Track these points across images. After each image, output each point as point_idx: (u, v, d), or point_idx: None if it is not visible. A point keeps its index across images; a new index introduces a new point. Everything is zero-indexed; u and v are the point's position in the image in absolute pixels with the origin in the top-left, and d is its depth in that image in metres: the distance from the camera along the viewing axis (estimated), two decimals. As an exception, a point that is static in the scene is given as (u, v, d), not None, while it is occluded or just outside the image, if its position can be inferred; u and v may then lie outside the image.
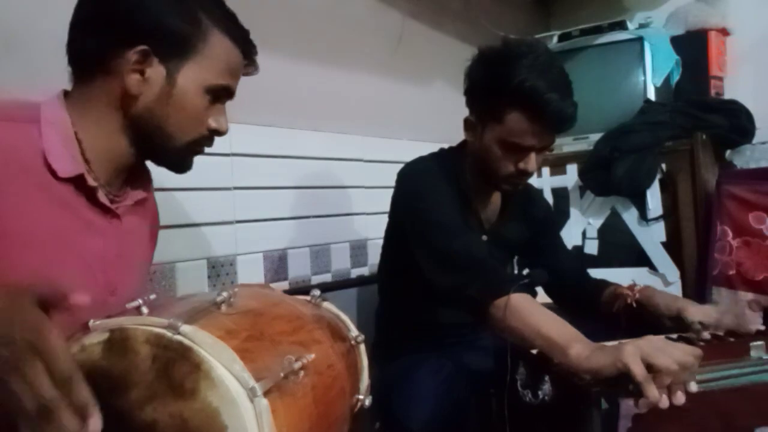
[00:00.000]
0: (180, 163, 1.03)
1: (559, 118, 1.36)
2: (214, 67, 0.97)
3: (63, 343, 0.60)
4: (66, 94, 0.96)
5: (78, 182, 0.91)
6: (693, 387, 0.94)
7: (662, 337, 1.28)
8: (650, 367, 0.93)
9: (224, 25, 0.98)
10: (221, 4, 1.00)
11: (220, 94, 1.00)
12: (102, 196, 0.94)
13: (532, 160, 1.41)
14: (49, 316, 0.62)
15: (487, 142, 1.42)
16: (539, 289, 1.68)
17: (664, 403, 0.92)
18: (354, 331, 1.00)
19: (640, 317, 1.45)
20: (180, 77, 0.94)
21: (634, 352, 0.94)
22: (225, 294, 0.75)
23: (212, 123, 1.00)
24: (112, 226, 0.97)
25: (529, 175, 1.44)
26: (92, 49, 0.93)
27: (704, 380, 0.99)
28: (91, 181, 0.92)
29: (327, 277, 1.92)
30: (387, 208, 1.61)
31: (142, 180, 1.05)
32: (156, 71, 0.93)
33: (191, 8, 0.94)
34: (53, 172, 0.88)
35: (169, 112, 0.95)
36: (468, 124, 1.48)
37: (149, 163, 1.06)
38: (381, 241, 1.69)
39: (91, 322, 0.68)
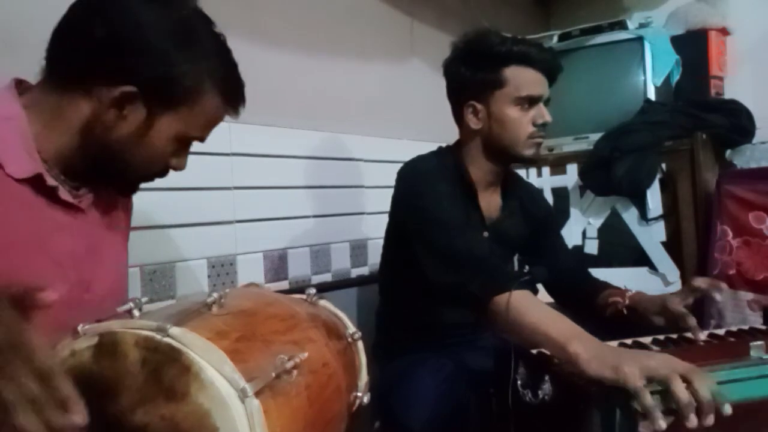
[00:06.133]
0: (129, 189, 1.02)
1: (551, 61, 1.51)
2: (196, 122, 0.94)
3: (40, 340, 0.59)
4: (22, 83, 0.92)
5: (36, 182, 0.87)
6: (727, 409, 0.89)
7: (662, 336, 1.28)
8: (652, 381, 0.92)
9: (221, 82, 0.95)
10: (226, 56, 0.97)
11: (191, 142, 0.99)
12: (63, 194, 0.90)
13: (544, 110, 1.50)
14: (26, 317, 0.61)
15: (497, 112, 1.49)
16: (541, 289, 1.68)
17: (692, 422, 0.88)
18: (351, 328, 1.00)
19: (631, 322, 1.45)
20: (158, 122, 0.91)
21: (633, 372, 0.92)
22: (215, 295, 0.75)
23: (173, 162, 0.98)
24: (77, 221, 0.94)
25: (546, 126, 1.51)
26: (79, 66, 0.88)
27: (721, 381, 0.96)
28: (50, 181, 0.88)
29: (327, 277, 1.93)
30: (387, 207, 1.61)
31: None
32: (136, 111, 0.89)
33: (195, 59, 0.91)
34: (9, 173, 0.84)
35: (136, 150, 0.92)
36: (470, 110, 1.52)
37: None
38: (381, 241, 1.69)
39: (80, 327, 0.68)
